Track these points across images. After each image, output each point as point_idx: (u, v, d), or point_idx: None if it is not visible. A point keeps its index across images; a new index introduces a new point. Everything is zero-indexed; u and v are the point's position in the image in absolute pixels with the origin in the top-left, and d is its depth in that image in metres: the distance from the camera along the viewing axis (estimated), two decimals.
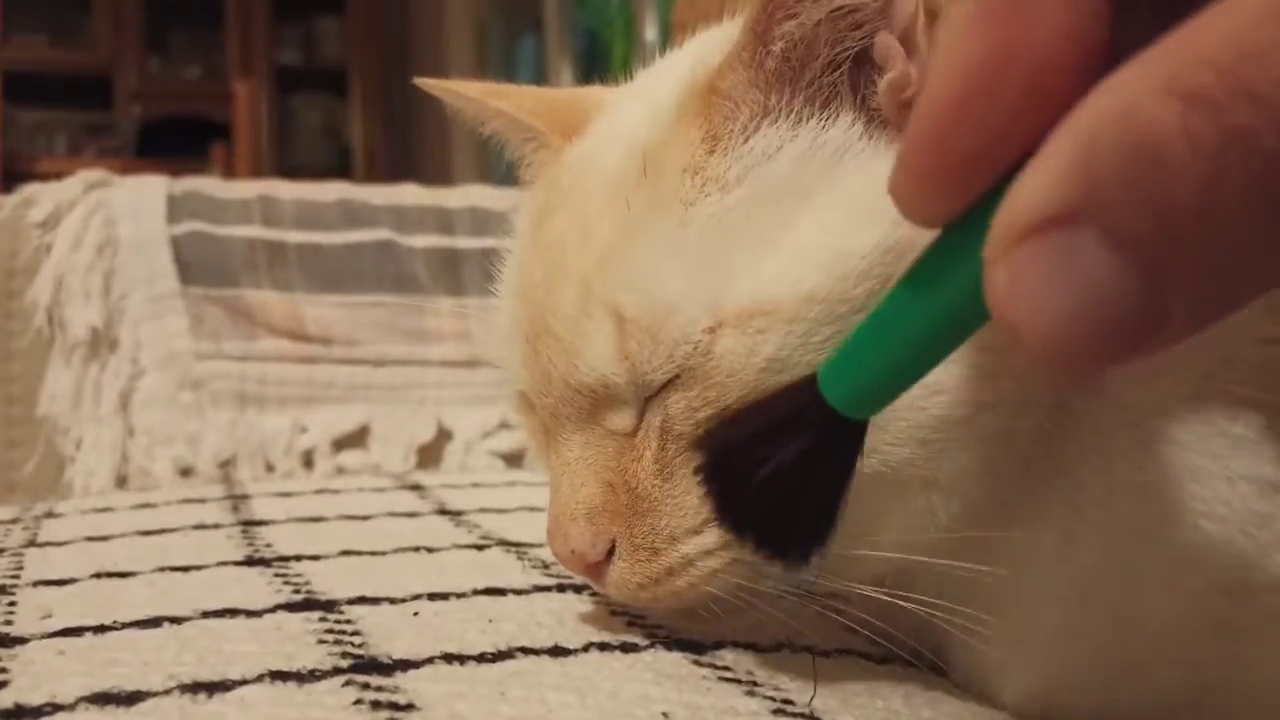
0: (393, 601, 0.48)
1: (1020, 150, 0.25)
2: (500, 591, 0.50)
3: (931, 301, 0.30)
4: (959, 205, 0.27)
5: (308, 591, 0.50)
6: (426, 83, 0.56)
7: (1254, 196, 0.22)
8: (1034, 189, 0.24)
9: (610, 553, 0.43)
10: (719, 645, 0.44)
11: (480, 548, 0.60)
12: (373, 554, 0.58)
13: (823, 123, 0.41)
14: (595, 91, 0.55)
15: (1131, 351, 0.25)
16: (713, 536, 0.42)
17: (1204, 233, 0.22)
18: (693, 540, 0.42)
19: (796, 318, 0.39)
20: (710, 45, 0.46)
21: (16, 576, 0.54)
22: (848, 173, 0.40)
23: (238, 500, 0.77)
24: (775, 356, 0.39)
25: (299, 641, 0.42)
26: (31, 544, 0.63)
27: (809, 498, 0.37)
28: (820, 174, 0.41)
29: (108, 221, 1.32)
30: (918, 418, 0.39)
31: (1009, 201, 0.24)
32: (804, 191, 0.40)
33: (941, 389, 0.39)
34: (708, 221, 0.41)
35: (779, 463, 0.36)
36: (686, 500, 0.42)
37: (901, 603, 0.42)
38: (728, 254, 0.40)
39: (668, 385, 0.41)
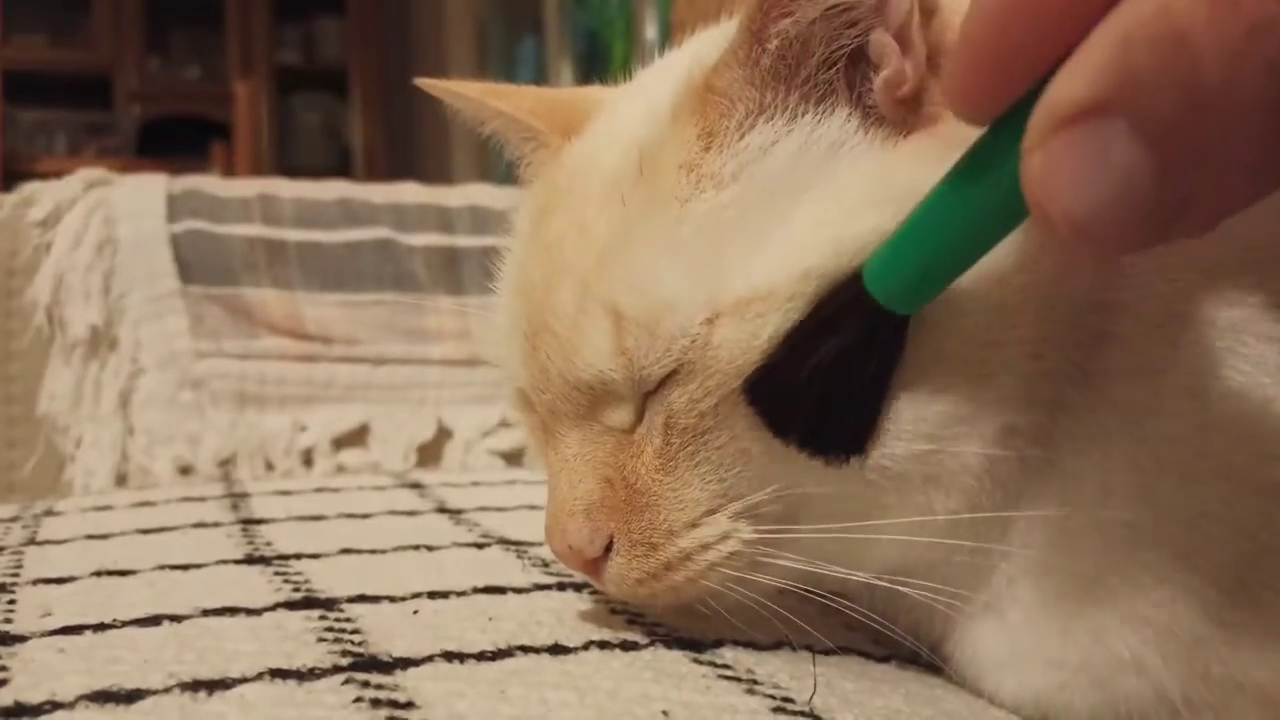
0: (393, 600, 0.48)
1: (1063, 48, 0.27)
2: (500, 590, 0.50)
3: (974, 194, 0.33)
4: (1004, 99, 0.30)
5: (308, 590, 0.50)
6: (427, 83, 0.56)
7: (1274, 82, 0.24)
8: (1071, 83, 0.26)
9: (609, 549, 0.43)
10: (719, 643, 0.44)
11: (480, 546, 0.60)
12: (373, 552, 0.58)
13: (818, 119, 0.41)
14: (595, 91, 0.55)
15: (1153, 237, 0.27)
16: (711, 530, 0.42)
17: (1226, 121, 0.25)
18: (691, 534, 0.42)
19: (795, 295, 0.39)
20: (708, 44, 0.46)
21: (16, 575, 0.54)
22: (843, 167, 0.40)
23: (237, 499, 0.77)
24: (777, 336, 0.39)
25: (299, 640, 0.42)
26: (31, 542, 0.63)
27: (852, 396, 0.39)
28: (815, 169, 0.41)
29: (107, 220, 1.32)
30: (924, 412, 0.39)
31: (1048, 95, 0.27)
32: (799, 186, 0.41)
33: (946, 387, 0.39)
34: (703, 218, 0.41)
35: (822, 360, 0.38)
36: (687, 493, 0.42)
37: (903, 589, 0.42)
38: (724, 249, 0.40)
39: (667, 381, 0.41)
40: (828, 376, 0.39)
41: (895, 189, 0.39)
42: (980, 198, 0.33)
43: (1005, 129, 0.30)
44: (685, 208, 0.41)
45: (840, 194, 0.40)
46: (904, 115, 0.41)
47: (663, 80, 0.46)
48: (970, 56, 0.29)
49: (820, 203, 0.40)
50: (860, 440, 0.40)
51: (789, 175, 0.41)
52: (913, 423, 0.40)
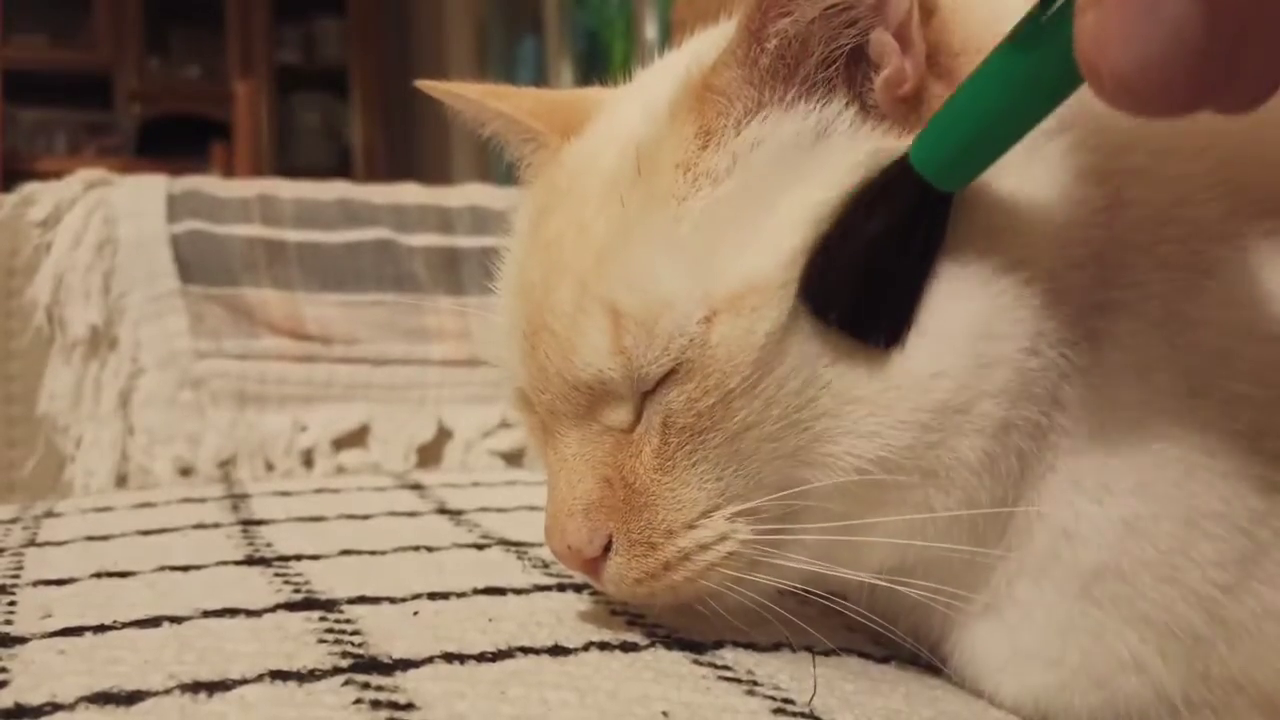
0: (393, 601, 0.48)
1: None
2: (500, 591, 0.50)
3: (1025, 62, 0.34)
4: None
5: (308, 591, 0.50)
6: (427, 85, 0.57)
7: None
8: None
9: (608, 549, 0.43)
10: (719, 644, 0.44)
11: (480, 547, 0.60)
12: (373, 553, 0.58)
13: (814, 116, 0.41)
14: (595, 92, 0.55)
15: (1198, 97, 0.28)
16: (708, 530, 0.42)
17: None
18: (689, 534, 0.42)
19: (788, 281, 0.40)
20: (707, 45, 0.47)
21: (16, 576, 0.54)
22: (836, 157, 0.41)
23: (237, 499, 0.77)
24: (774, 330, 0.39)
25: (299, 641, 0.42)
26: (31, 543, 0.63)
27: (895, 276, 0.39)
28: (810, 161, 0.41)
29: (107, 220, 1.32)
30: (921, 400, 0.39)
31: None
32: (792, 178, 0.41)
33: (944, 373, 0.39)
34: (700, 216, 0.41)
35: (866, 238, 0.39)
36: (685, 493, 0.42)
37: (906, 590, 0.42)
38: (719, 245, 0.40)
39: (665, 380, 0.41)
40: (871, 256, 0.39)
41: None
42: (1031, 65, 0.34)
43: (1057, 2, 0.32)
44: (682, 206, 0.41)
45: (831, 172, 0.40)
46: (904, 114, 0.41)
47: (662, 80, 0.46)
48: None
49: (811, 186, 0.40)
50: (899, 331, 0.40)
51: (783, 168, 0.41)
52: (913, 409, 0.40)
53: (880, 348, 0.40)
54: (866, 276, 0.39)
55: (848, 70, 0.41)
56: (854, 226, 0.39)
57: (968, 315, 0.39)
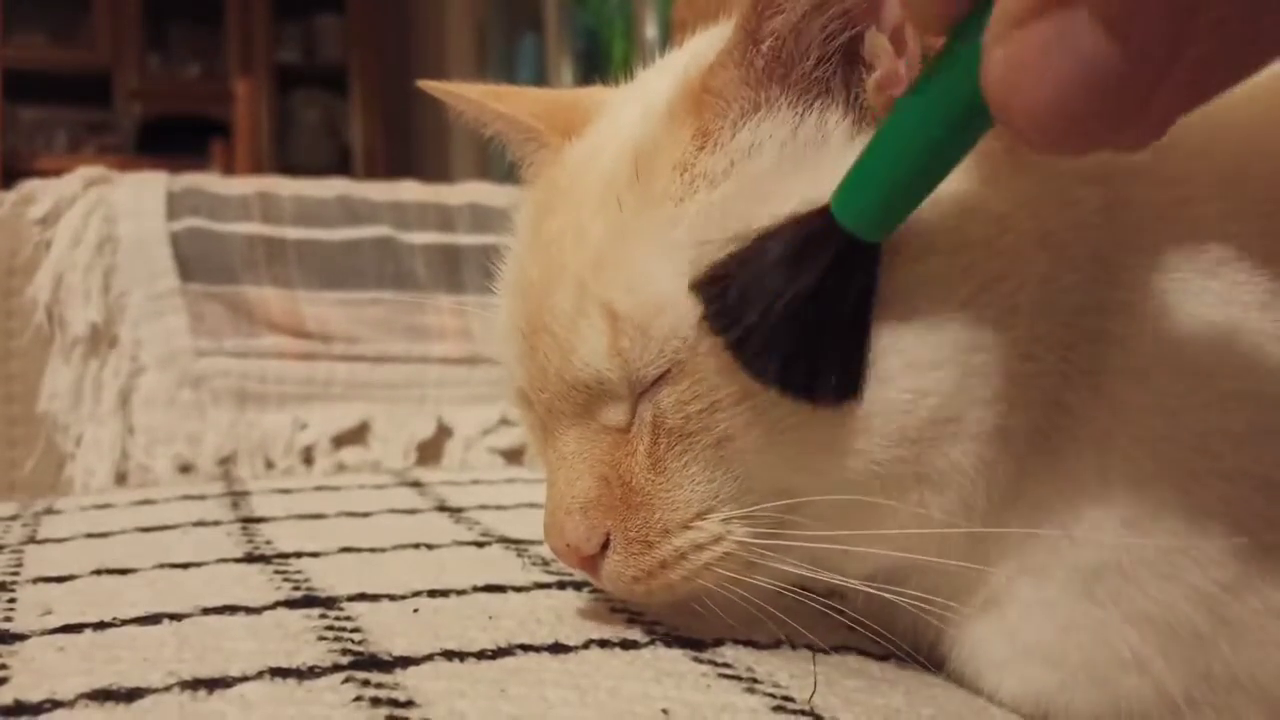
0: (393, 598, 0.48)
1: None
2: (500, 588, 0.50)
3: (935, 104, 0.33)
4: (961, 3, 0.30)
5: (308, 588, 0.50)
6: (428, 85, 0.57)
7: None
8: None
9: (606, 546, 0.43)
10: (719, 643, 0.44)
11: (480, 545, 0.60)
12: (373, 551, 0.58)
13: (811, 116, 0.41)
14: (596, 92, 0.55)
15: (1113, 132, 0.27)
16: (704, 532, 0.42)
17: (1187, 5, 0.25)
18: (685, 533, 0.42)
19: None
20: (705, 45, 0.47)
21: (16, 573, 0.54)
22: (831, 159, 0.40)
23: (237, 497, 0.77)
24: None
25: (299, 638, 0.42)
26: (31, 541, 0.63)
27: (830, 331, 0.38)
28: (804, 163, 0.41)
29: (107, 219, 1.32)
30: (904, 420, 0.39)
31: None
32: (787, 180, 0.41)
33: (928, 392, 0.39)
34: (696, 217, 0.41)
35: (795, 294, 0.37)
36: (679, 494, 0.42)
37: (895, 599, 0.42)
38: (715, 248, 0.40)
39: (659, 380, 0.41)
40: (801, 312, 0.38)
41: None
42: (941, 107, 0.33)
43: (962, 36, 0.31)
44: (679, 208, 0.41)
45: (826, 174, 0.40)
46: None
47: (661, 81, 0.47)
48: None
49: (806, 189, 0.40)
50: (852, 383, 0.39)
51: (778, 170, 0.41)
52: (897, 429, 0.40)
53: (830, 404, 0.39)
54: (799, 338, 0.38)
55: (843, 71, 0.41)
56: (775, 284, 0.38)
57: (952, 329, 0.39)
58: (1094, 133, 0.27)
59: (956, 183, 0.38)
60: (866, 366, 0.39)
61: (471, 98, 0.55)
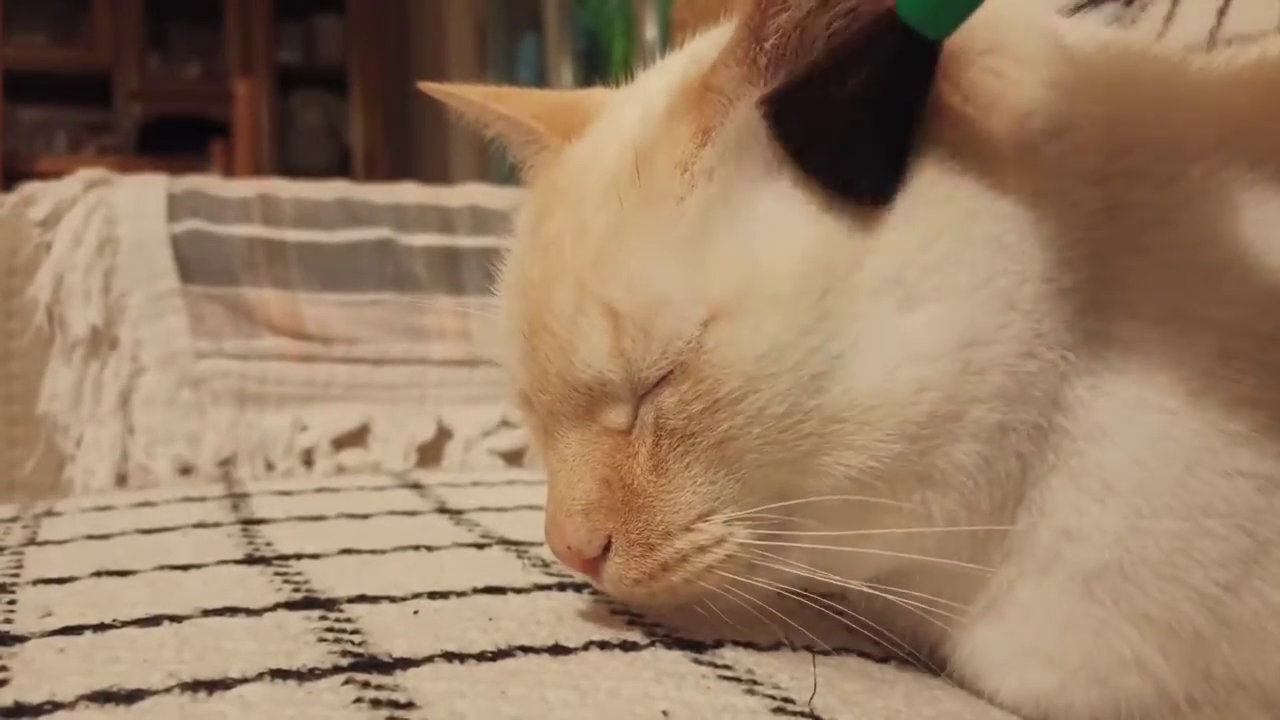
0: (393, 600, 0.48)
1: None
2: (500, 590, 0.50)
3: None
4: None
5: (308, 590, 0.50)
6: (429, 87, 0.56)
7: None
8: None
9: (607, 549, 0.43)
10: (719, 644, 0.44)
11: (480, 546, 0.60)
12: (373, 552, 0.58)
13: None
14: (596, 93, 0.55)
15: None
16: (705, 534, 0.42)
17: None
18: (687, 535, 0.42)
19: (781, 295, 0.39)
20: (706, 45, 0.47)
21: (16, 575, 0.54)
22: None
23: (238, 499, 0.77)
24: (766, 351, 0.39)
25: (299, 640, 0.42)
26: (31, 542, 0.63)
27: (878, 129, 0.39)
28: None
29: (108, 220, 1.32)
30: (906, 413, 0.39)
31: None
32: (787, 175, 0.41)
33: (929, 385, 0.39)
34: (696, 215, 0.41)
35: (851, 92, 0.38)
36: (680, 496, 0.42)
37: (898, 601, 0.42)
38: (715, 244, 0.40)
39: (661, 381, 0.41)
40: (856, 106, 0.39)
41: None
42: None
43: None
44: (680, 206, 0.41)
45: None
46: None
47: (661, 82, 0.46)
48: None
49: (806, 186, 0.40)
50: (887, 183, 0.39)
51: (779, 166, 0.41)
52: (899, 423, 0.40)
53: (867, 204, 0.40)
54: (850, 132, 0.39)
55: None
56: (835, 82, 0.39)
57: (953, 324, 0.39)
58: None
59: (961, 182, 0.38)
60: (904, 170, 0.40)
61: (472, 99, 0.54)
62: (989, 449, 0.40)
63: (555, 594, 0.50)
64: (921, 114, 0.39)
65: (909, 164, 0.40)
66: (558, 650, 0.42)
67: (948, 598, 0.42)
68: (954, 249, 0.39)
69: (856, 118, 0.39)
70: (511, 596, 0.49)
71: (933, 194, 0.40)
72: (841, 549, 0.41)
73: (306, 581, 0.51)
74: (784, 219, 0.40)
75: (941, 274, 0.39)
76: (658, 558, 0.42)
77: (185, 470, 1.23)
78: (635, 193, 0.42)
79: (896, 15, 0.37)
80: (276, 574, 0.53)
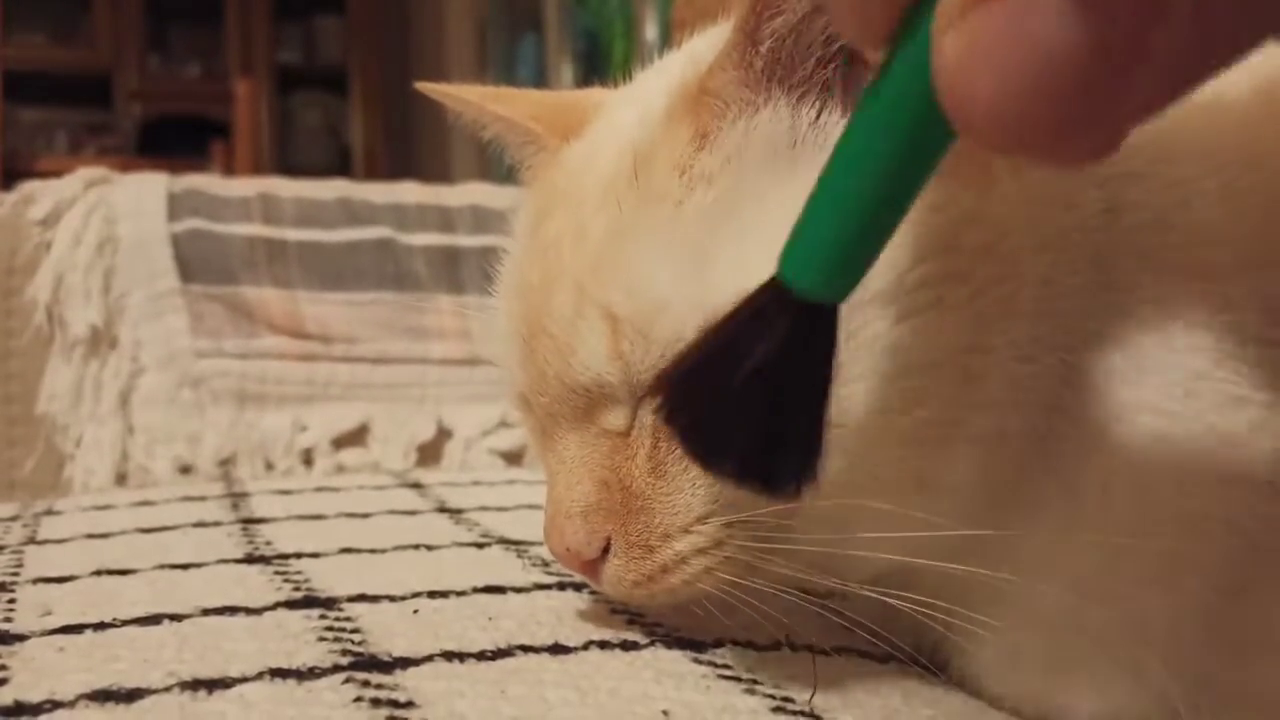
0: (393, 599, 0.48)
1: None
2: (500, 589, 0.50)
3: (880, 134, 0.28)
4: (895, 7, 0.26)
5: (308, 589, 0.50)
6: (428, 87, 0.56)
7: None
8: None
9: (606, 550, 0.43)
10: (719, 644, 0.44)
11: (480, 546, 0.60)
12: (372, 552, 0.58)
13: (811, 115, 0.41)
14: (595, 94, 0.55)
15: (1082, 126, 0.23)
16: (704, 536, 0.42)
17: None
18: (686, 538, 0.42)
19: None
20: (705, 46, 0.47)
21: (16, 574, 0.54)
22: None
23: (237, 498, 0.77)
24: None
25: (299, 639, 0.42)
26: (31, 541, 0.63)
27: (788, 410, 0.32)
28: (803, 164, 0.41)
29: (107, 219, 1.32)
30: (905, 421, 0.39)
31: None
32: (786, 181, 0.41)
33: (927, 393, 0.39)
34: (695, 218, 0.41)
35: (749, 374, 0.32)
36: (679, 498, 0.42)
37: (897, 604, 0.42)
38: (715, 248, 0.40)
39: None
40: (757, 392, 0.32)
41: None
42: (885, 134, 0.27)
43: (902, 48, 0.26)
44: (678, 209, 0.41)
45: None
46: None
47: (660, 83, 0.46)
48: None
49: (805, 190, 0.40)
50: (809, 467, 0.33)
51: (778, 170, 0.41)
52: (895, 432, 0.39)
53: (787, 497, 0.33)
54: (755, 420, 0.32)
55: (843, 70, 0.41)
56: (728, 365, 0.32)
57: (950, 332, 0.39)
58: (1060, 130, 0.23)
59: (955, 189, 0.38)
60: (824, 447, 0.33)
61: (470, 100, 0.54)
62: (986, 454, 0.40)
63: (555, 593, 0.50)
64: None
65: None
66: (558, 650, 0.42)
67: (946, 600, 0.42)
68: (948, 257, 0.39)
69: (762, 400, 0.32)
70: (511, 596, 0.49)
71: (924, 202, 0.40)
72: (839, 551, 0.41)
73: (306, 581, 0.51)
74: (782, 226, 0.40)
75: (937, 282, 0.39)
76: (657, 560, 0.42)
77: (185, 469, 1.23)
78: (633, 195, 0.42)
79: (782, 282, 0.31)
80: (276, 573, 0.53)
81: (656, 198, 0.42)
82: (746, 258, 0.40)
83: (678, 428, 0.34)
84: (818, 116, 0.41)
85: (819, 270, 0.30)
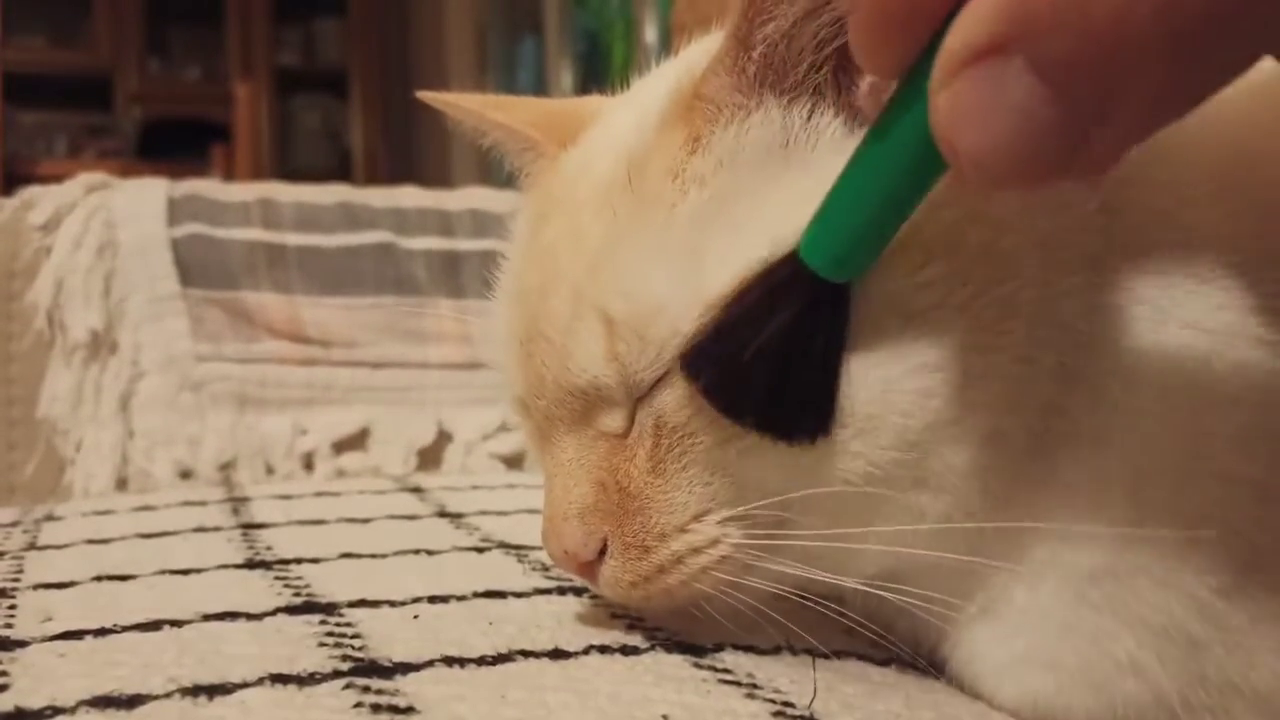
0: (393, 604, 0.48)
1: None
2: (500, 594, 0.50)
3: (892, 146, 0.34)
4: (909, 49, 0.31)
5: (308, 594, 0.50)
6: (428, 96, 0.57)
7: (1161, 21, 0.25)
8: (970, 24, 0.27)
9: (603, 552, 0.43)
10: (719, 648, 0.44)
11: (480, 550, 0.60)
12: (373, 556, 0.59)
13: (803, 120, 0.41)
14: (593, 101, 0.55)
15: (1055, 171, 0.28)
16: (700, 535, 0.42)
17: (1117, 56, 0.26)
18: (682, 537, 0.42)
19: None
20: (699, 53, 0.47)
21: (17, 579, 0.54)
22: (823, 160, 0.40)
23: (238, 503, 0.77)
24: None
25: (299, 644, 0.43)
26: (32, 547, 0.63)
27: (803, 371, 0.39)
28: (795, 167, 0.41)
29: (108, 224, 1.32)
30: (906, 422, 0.39)
31: (949, 39, 0.28)
32: (779, 184, 0.41)
33: (928, 395, 0.39)
34: (688, 220, 0.41)
35: (768, 338, 0.38)
36: (675, 496, 0.42)
37: (894, 598, 0.42)
38: (708, 249, 0.41)
39: (658, 384, 0.42)
40: (775, 354, 0.39)
41: None
42: (898, 149, 0.34)
43: (915, 80, 0.31)
44: (672, 213, 0.41)
45: (818, 184, 0.40)
46: None
47: (656, 89, 0.47)
48: (873, 8, 0.31)
49: (797, 193, 0.40)
50: (823, 421, 0.39)
51: (770, 174, 0.41)
52: (899, 429, 0.40)
53: (804, 442, 0.40)
54: (773, 379, 0.39)
55: (835, 76, 0.41)
56: (749, 330, 0.39)
57: (952, 333, 0.39)
58: (1036, 175, 0.28)
59: (954, 190, 0.38)
60: (838, 403, 0.39)
61: (470, 108, 0.55)
62: (984, 453, 0.40)
63: (555, 598, 0.50)
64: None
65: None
66: (558, 654, 0.42)
67: (941, 604, 0.42)
68: (952, 257, 0.39)
69: (777, 364, 0.39)
70: (512, 600, 0.49)
71: (931, 204, 0.40)
72: (836, 547, 0.41)
73: (307, 586, 0.51)
74: (775, 224, 0.40)
75: (941, 283, 0.39)
76: (653, 560, 0.42)
77: (185, 474, 1.23)
78: (629, 200, 0.43)
79: (800, 261, 0.38)
80: (277, 578, 0.53)
81: (651, 202, 0.42)
82: (740, 257, 0.40)
83: (703, 385, 0.40)
84: (809, 118, 0.41)
85: (834, 254, 0.37)
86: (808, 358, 0.39)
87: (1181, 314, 0.40)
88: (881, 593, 0.42)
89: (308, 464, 1.27)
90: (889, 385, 0.39)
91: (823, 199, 0.37)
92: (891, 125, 0.33)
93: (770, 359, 0.39)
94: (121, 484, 1.22)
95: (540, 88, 4.01)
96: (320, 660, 0.41)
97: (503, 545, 0.61)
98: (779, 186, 0.41)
